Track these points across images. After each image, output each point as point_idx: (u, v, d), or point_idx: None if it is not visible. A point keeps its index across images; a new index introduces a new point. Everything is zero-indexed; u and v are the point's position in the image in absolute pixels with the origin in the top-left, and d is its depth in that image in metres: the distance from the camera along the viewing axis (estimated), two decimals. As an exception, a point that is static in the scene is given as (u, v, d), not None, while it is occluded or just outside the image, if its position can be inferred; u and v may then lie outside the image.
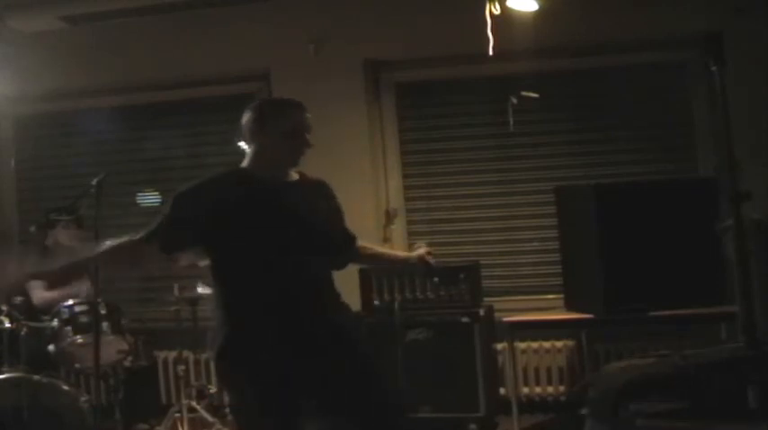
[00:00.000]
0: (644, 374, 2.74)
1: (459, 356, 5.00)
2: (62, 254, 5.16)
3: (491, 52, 4.60)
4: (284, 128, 3.08)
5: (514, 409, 4.78)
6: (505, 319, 4.93)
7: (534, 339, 5.56)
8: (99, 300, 4.43)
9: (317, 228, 3.14)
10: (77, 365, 4.67)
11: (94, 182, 4.23)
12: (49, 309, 4.72)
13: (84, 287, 4.80)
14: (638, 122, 5.60)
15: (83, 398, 4.41)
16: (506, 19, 4.67)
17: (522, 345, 5.54)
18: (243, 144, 3.18)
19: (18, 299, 4.81)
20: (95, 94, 6.23)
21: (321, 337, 3.02)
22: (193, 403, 5.00)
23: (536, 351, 5.57)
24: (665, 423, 2.45)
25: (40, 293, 4.93)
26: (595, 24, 5.37)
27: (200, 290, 5.13)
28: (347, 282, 5.25)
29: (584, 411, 2.86)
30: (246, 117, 3.12)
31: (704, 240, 3.81)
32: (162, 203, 5.44)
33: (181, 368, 5.10)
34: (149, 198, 6.39)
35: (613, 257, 4.10)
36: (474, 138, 5.80)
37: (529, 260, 5.70)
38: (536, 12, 4.86)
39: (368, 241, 5.69)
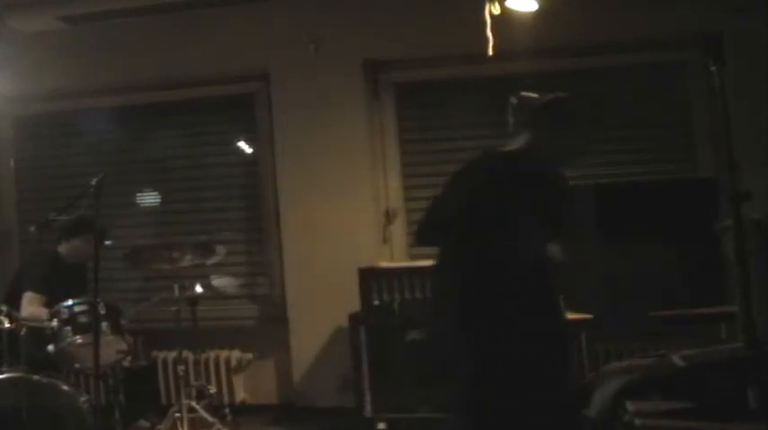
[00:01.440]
0: (644, 374, 2.74)
1: (459, 356, 4.99)
2: (76, 263, 5.13)
3: (491, 52, 4.60)
4: (578, 133, 3.10)
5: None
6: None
7: (534, 339, 5.55)
8: (98, 300, 4.42)
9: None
10: (77, 365, 4.66)
11: (94, 182, 4.21)
12: (35, 321, 4.69)
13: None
14: (638, 122, 5.60)
15: (82, 398, 4.40)
16: (506, 19, 4.66)
17: (521, 345, 5.53)
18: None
19: None
20: (95, 94, 6.23)
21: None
22: (193, 403, 4.99)
23: (536, 351, 5.56)
24: (665, 423, 2.45)
25: (33, 308, 4.88)
26: (595, 24, 5.37)
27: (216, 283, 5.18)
28: (347, 282, 5.30)
29: (584, 411, 2.86)
30: (546, 104, 3.13)
31: (704, 240, 3.81)
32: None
33: (181, 368, 5.10)
34: (149, 198, 6.40)
35: (613, 257, 4.10)
36: (474, 139, 5.78)
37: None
38: (536, 12, 4.86)
39: (366, 241, 5.75)
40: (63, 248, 5.12)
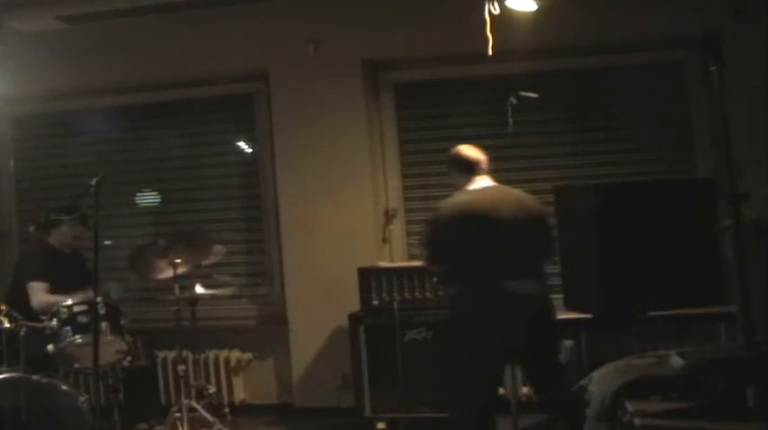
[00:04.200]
0: (644, 374, 2.74)
1: (459, 356, 4.99)
2: (68, 251, 5.19)
3: (490, 52, 4.60)
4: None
5: (513, 409, 4.78)
6: (505, 319, 4.92)
7: (534, 339, 5.55)
8: (98, 300, 4.42)
9: None
10: (76, 365, 4.66)
11: (93, 182, 4.22)
12: (47, 312, 4.71)
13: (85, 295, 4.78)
14: (637, 122, 5.60)
15: (82, 398, 4.40)
16: (506, 19, 4.66)
17: (521, 345, 5.52)
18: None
19: None
20: (95, 94, 6.24)
21: None
22: (193, 403, 4.99)
23: (536, 351, 5.56)
24: (665, 423, 2.45)
25: (41, 296, 4.92)
26: (595, 24, 5.37)
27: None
28: (347, 282, 5.30)
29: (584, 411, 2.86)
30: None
31: (703, 240, 3.81)
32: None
33: (181, 368, 5.09)
34: (149, 198, 6.39)
35: (612, 257, 4.09)
36: (473, 139, 5.76)
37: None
38: (536, 12, 4.86)
39: (366, 241, 5.75)
40: (52, 239, 5.18)
